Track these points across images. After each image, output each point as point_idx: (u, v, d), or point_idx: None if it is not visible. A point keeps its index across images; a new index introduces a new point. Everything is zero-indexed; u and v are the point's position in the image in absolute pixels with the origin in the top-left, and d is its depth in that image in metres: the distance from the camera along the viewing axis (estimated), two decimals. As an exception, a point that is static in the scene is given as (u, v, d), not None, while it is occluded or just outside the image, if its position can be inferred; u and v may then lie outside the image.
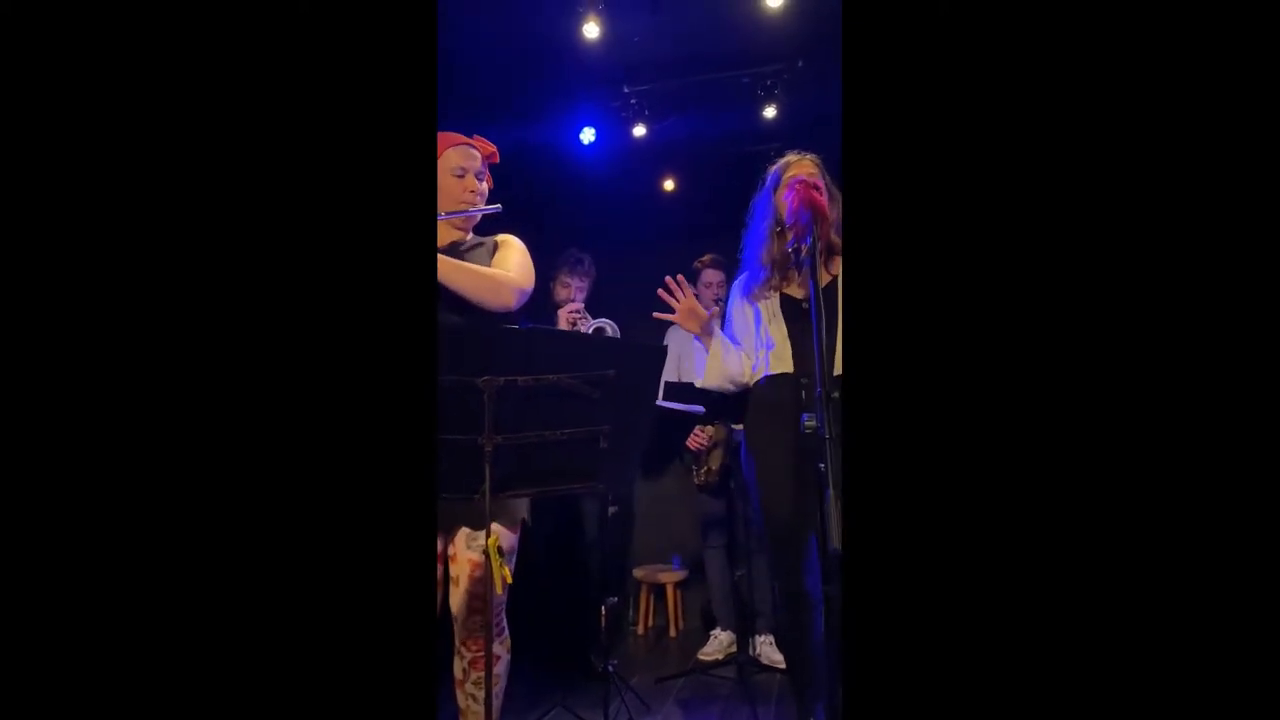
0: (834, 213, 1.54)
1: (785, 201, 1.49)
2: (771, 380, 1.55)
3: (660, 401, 2.35)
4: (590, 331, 2.31)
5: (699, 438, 2.60)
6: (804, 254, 1.33)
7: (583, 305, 2.48)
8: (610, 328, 2.37)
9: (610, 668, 2.09)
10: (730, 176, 1.92)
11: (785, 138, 2.78)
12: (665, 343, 2.78)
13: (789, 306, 1.58)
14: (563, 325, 2.39)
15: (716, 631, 2.68)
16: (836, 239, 1.60)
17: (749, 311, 1.62)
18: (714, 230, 2.31)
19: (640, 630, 3.04)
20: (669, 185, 3.34)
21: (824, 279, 1.59)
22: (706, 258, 2.67)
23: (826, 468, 1.06)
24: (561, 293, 2.56)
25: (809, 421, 1.11)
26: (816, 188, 1.45)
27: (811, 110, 2.78)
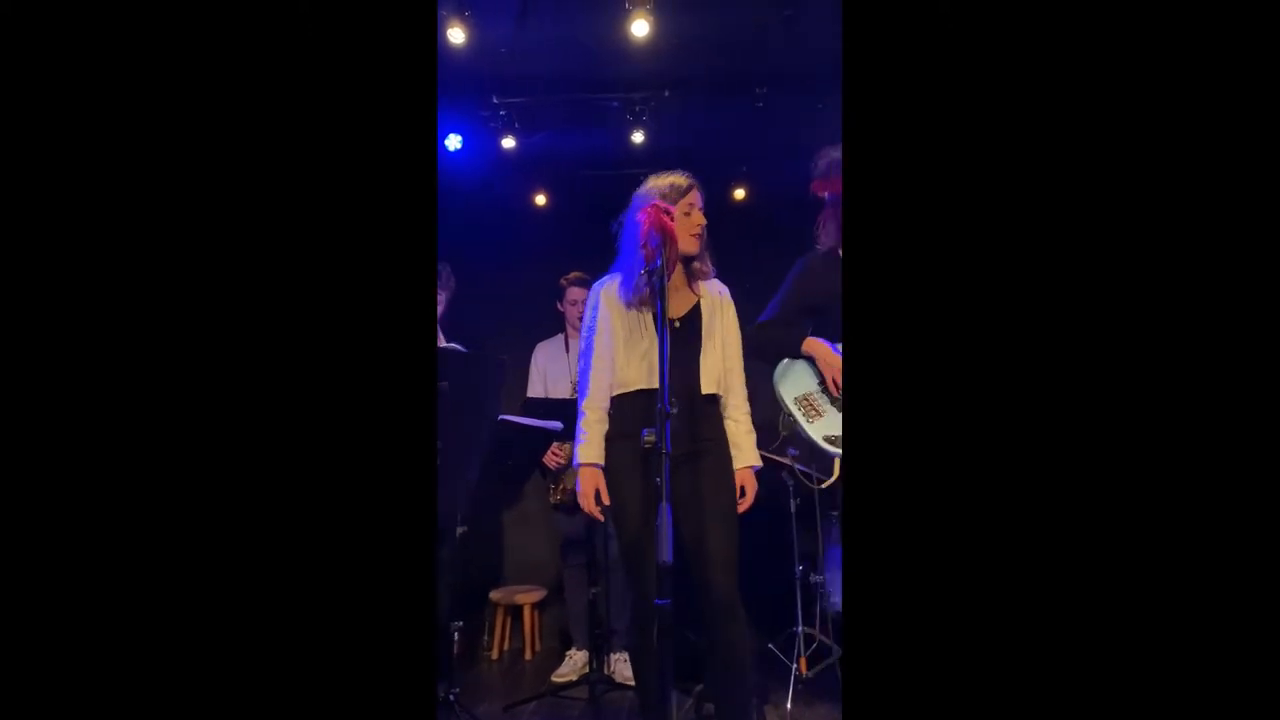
0: (698, 231, 1.58)
1: (639, 223, 1.53)
2: (628, 396, 1.56)
3: (510, 417, 2.30)
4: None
5: (556, 455, 2.58)
6: (654, 276, 1.36)
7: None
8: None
9: (452, 696, 2.00)
10: (600, 196, 1.95)
11: (653, 164, 2.87)
12: (534, 358, 2.74)
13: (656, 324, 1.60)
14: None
15: (572, 651, 2.65)
16: (701, 265, 1.64)
17: (618, 320, 1.62)
18: (581, 248, 2.32)
19: (494, 654, 2.94)
20: (540, 200, 3.32)
21: (688, 301, 1.65)
22: (573, 275, 2.68)
23: (663, 482, 1.08)
24: (418, 303, 2.45)
25: (648, 436, 1.13)
26: (668, 212, 1.49)
27: (678, 140, 2.89)
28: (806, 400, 1.63)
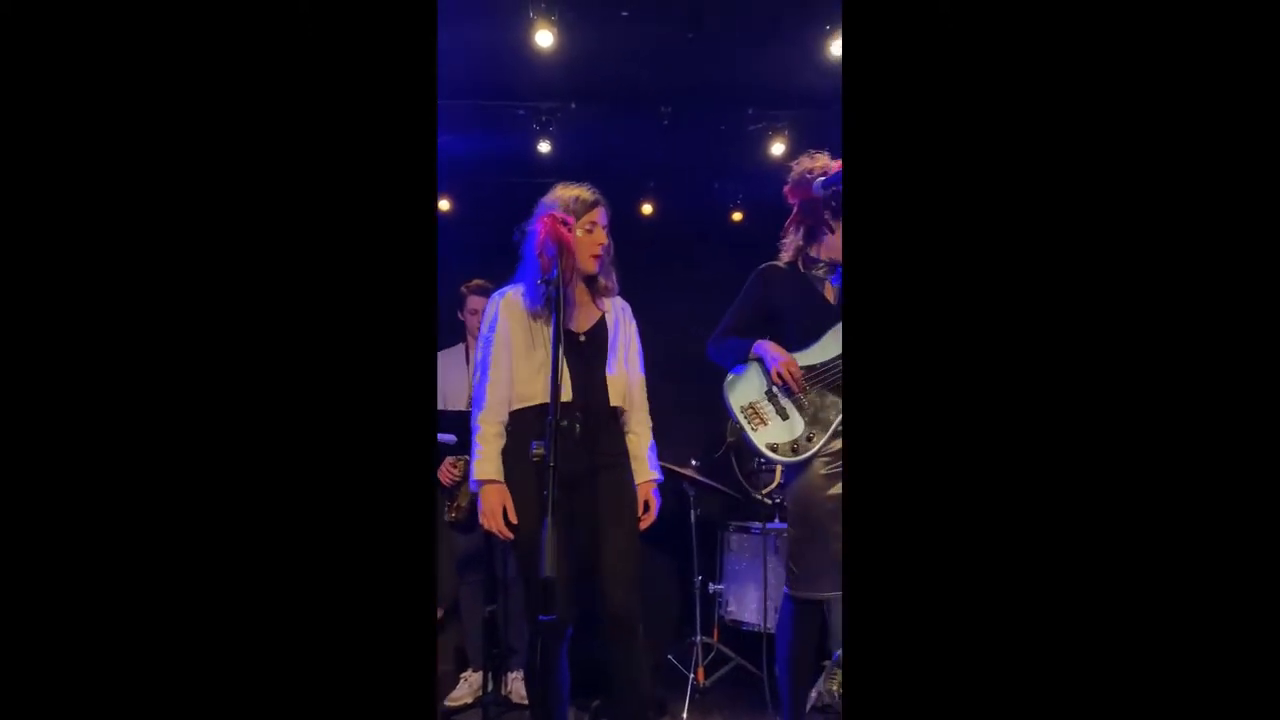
0: (599, 252, 1.56)
1: (537, 232, 1.51)
2: (528, 410, 1.53)
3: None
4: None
5: (450, 471, 2.49)
6: (551, 287, 1.35)
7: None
8: None
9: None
10: (505, 204, 1.91)
11: (560, 174, 2.86)
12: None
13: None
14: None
15: (467, 673, 2.56)
16: (606, 283, 1.63)
17: (518, 330, 1.58)
18: (483, 255, 2.26)
19: (385, 680, 2.79)
20: (443, 205, 3.23)
21: (593, 314, 1.64)
22: (474, 283, 2.62)
23: (549, 496, 1.07)
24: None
25: (537, 449, 1.11)
26: (566, 223, 1.48)
27: (586, 152, 2.90)
28: (752, 408, 1.67)
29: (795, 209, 1.70)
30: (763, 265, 1.75)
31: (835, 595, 1.54)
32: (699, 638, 2.56)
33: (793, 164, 1.66)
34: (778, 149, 2.91)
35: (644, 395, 1.67)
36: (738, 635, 2.68)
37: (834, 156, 1.60)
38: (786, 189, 1.68)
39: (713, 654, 2.64)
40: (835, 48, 2.47)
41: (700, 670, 2.51)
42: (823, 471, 1.58)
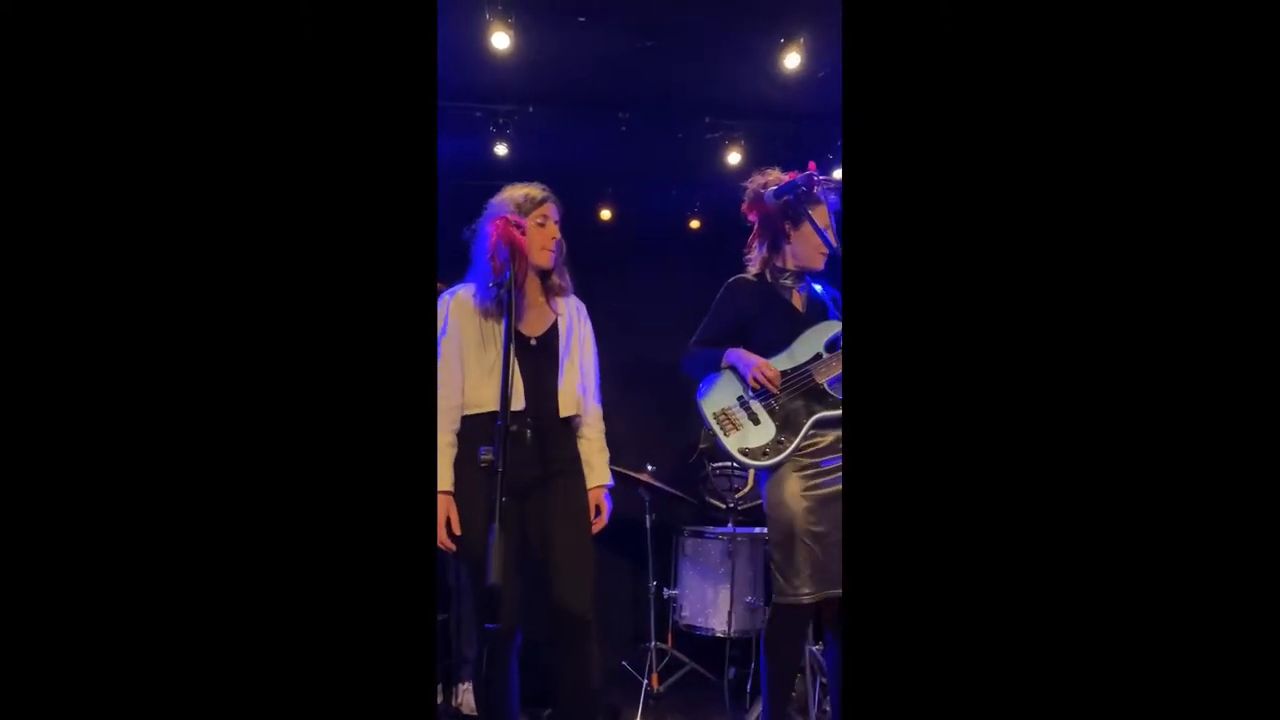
0: (551, 245, 1.56)
1: (489, 234, 1.49)
2: (481, 418, 1.51)
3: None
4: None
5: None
6: (503, 290, 1.34)
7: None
8: None
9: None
10: (460, 206, 1.89)
11: (517, 177, 2.83)
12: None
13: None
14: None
15: (417, 684, 2.50)
16: (560, 281, 1.62)
17: (468, 332, 1.55)
18: (439, 257, 2.22)
19: (331, 693, 2.71)
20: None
21: (546, 318, 1.63)
22: (428, 286, 2.57)
23: (497, 502, 1.05)
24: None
25: (485, 455, 1.10)
26: (518, 225, 1.48)
27: (543, 156, 2.88)
28: (725, 415, 1.69)
29: (755, 225, 1.75)
30: (731, 279, 1.79)
31: (825, 596, 1.53)
32: (653, 643, 2.56)
33: (746, 183, 1.71)
34: (734, 158, 2.95)
35: (596, 400, 1.67)
36: (692, 640, 2.69)
37: (785, 170, 1.65)
38: (744, 207, 1.73)
39: (667, 659, 2.64)
40: (789, 60, 2.52)
41: (654, 676, 2.51)
42: (798, 475, 1.60)
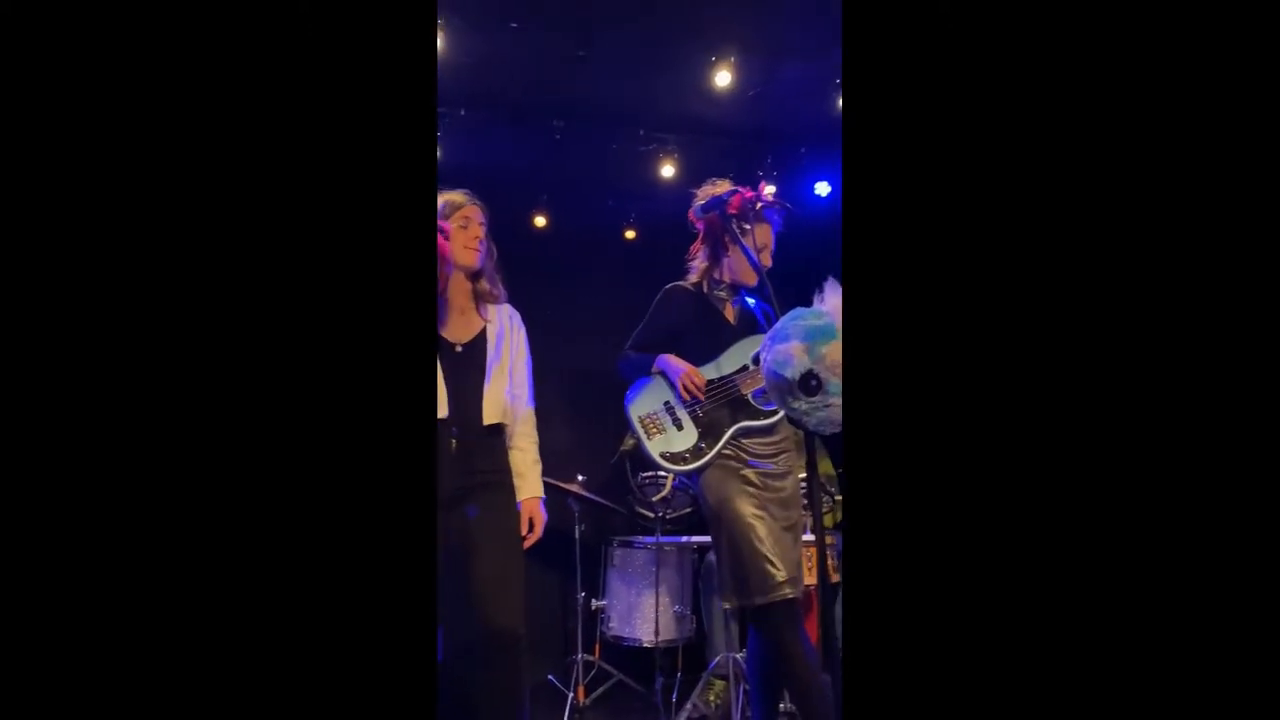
0: (475, 245, 1.55)
1: None
2: None
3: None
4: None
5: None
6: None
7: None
8: None
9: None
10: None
11: (451, 183, 2.77)
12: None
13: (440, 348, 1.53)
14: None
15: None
16: (491, 288, 1.60)
17: None
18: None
19: None
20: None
21: (473, 325, 1.59)
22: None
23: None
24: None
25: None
26: (441, 230, 1.44)
27: (478, 161, 2.83)
28: (650, 419, 1.72)
29: (700, 233, 1.78)
30: (669, 285, 1.81)
31: (775, 599, 1.53)
32: (580, 655, 2.54)
33: (696, 190, 1.74)
34: (668, 171, 2.99)
35: (529, 409, 1.65)
36: (619, 651, 2.68)
37: (736, 183, 1.68)
38: (690, 214, 1.76)
39: (594, 671, 2.62)
40: (720, 78, 2.59)
41: (581, 689, 2.49)
42: (737, 482, 1.61)
